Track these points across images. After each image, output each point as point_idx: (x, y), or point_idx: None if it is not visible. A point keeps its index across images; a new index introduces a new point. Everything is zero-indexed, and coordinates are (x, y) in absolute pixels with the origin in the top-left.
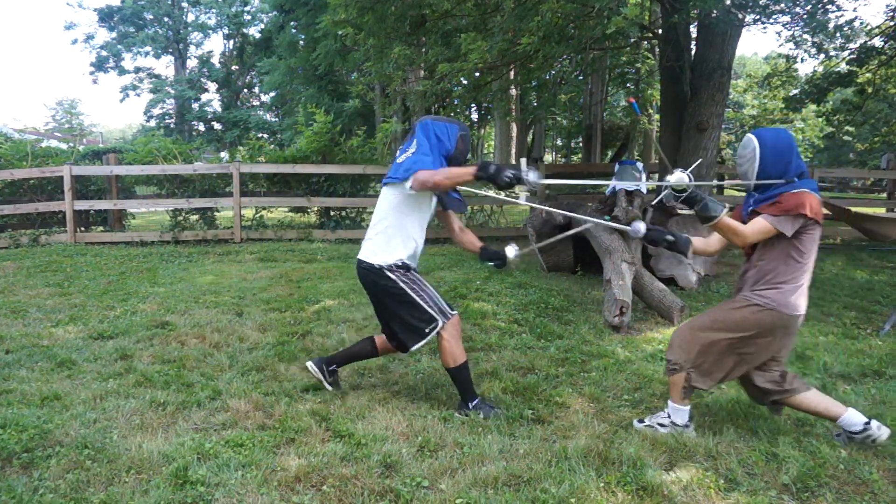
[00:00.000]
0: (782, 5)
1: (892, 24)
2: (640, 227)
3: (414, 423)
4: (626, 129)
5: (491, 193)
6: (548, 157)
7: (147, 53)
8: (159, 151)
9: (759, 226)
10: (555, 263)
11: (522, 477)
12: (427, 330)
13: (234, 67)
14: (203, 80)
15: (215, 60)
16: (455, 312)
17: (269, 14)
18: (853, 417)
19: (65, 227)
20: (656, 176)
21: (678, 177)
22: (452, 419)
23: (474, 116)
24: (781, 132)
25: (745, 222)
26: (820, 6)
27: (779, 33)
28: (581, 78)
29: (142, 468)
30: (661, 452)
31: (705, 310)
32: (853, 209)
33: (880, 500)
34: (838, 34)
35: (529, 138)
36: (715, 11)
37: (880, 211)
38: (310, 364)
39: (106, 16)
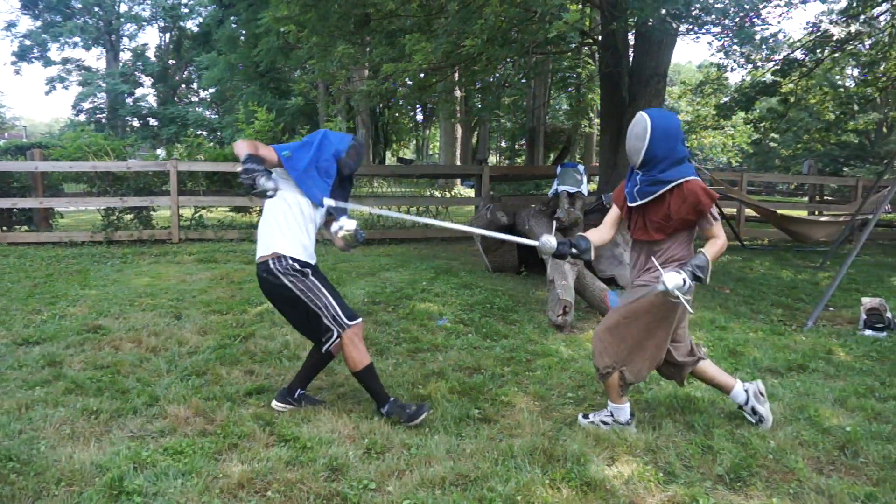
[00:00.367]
0: (713, 17)
1: (811, 38)
2: (551, 241)
3: (360, 425)
4: (569, 133)
5: (437, 194)
6: (492, 159)
7: (76, 44)
8: (90, 147)
9: (719, 227)
10: (500, 264)
11: (469, 476)
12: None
13: (170, 62)
14: (137, 73)
15: (150, 54)
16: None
17: (208, 8)
18: (741, 391)
19: None
20: (597, 179)
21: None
22: (399, 421)
23: (419, 117)
24: (671, 116)
25: (633, 201)
26: (747, 19)
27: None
28: (524, 81)
29: (73, 480)
30: (604, 448)
31: None
32: (779, 212)
33: (805, 486)
34: (764, 46)
35: (474, 140)
36: (651, 20)
37: (803, 213)
38: (274, 403)
39: (30, 2)
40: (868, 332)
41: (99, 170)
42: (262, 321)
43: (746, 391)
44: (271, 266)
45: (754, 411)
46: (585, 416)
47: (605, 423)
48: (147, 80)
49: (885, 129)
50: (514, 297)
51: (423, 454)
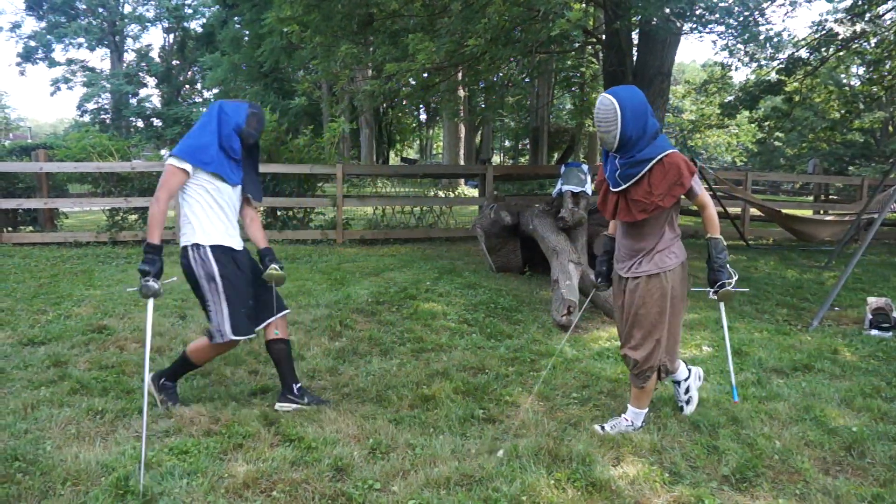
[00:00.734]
0: (717, 16)
1: (816, 37)
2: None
3: (365, 425)
4: (572, 132)
5: (440, 194)
6: (496, 159)
7: (80, 45)
8: (94, 148)
9: (705, 198)
10: (503, 264)
11: (474, 476)
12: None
13: (174, 62)
14: (141, 74)
15: (154, 54)
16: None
17: (212, 8)
18: (685, 369)
19: None
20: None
21: None
22: (404, 421)
23: (423, 117)
24: (634, 90)
25: (617, 186)
26: (751, 18)
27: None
28: (528, 81)
29: (79, 479)
30: (609, 448)
31: None
32: (784, 211)
33: (812, 487)
34: (768, 45)
35: (478, 139)
36: (654, 19)
37: (808, 213)
38: (278, 406)
39: (34, 4)
40: (874, 332)
41: (103, 170)
42: None
43: (690, 370)
44: (190, 255)
45: (688, 391)
46: (602, 428)
47: (623, 433)
48: (151, 81)
49: (890, 128)
50: (518, 297)
51: (428, 454)
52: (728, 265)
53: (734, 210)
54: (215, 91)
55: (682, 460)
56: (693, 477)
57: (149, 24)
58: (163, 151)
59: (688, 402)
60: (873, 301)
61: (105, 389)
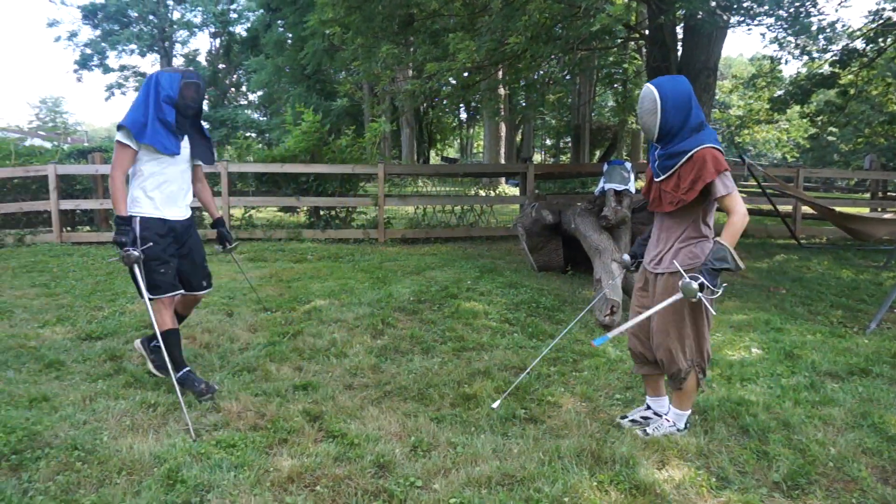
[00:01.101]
0: (766, 7)
1: (872, 26)
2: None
3: (406, 423)
4: (615, 129)
5: (481, 193)
6: (537, 157)
7: (132, 51)
8: None
9: (732, 199)
10: (545, 263)
11: (516, 476)
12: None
13: (220, 66)
14: None
15: (202, 59)
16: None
17: (256, 12)
18: (666, 402)
19: (50, 226)
20: (644, 176)
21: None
22: (445, 419)
23: (463, 116)
24: (680, 80)
25: (657, 177)
26: (802, 9)
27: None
28: (569, 78)
29: (133, 469)
30: (654, 451)
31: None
32: (838, 209)
33: (869, 497)
34: (821, 36)
35: (518, 138)
36: (700, 13)
37: (864, 211)
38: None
39: (90, 13)
40: None
41: None
42: (309, 319)
43: (666, 409)
44: (132, 224)
45: (648, 421)
46: (645, 432)
47: (667, 436)
48: None
49: None
50: (560, 297)
51: (470, 453)
52: (718, 278)
53: (785, 208)
54: (259, 93)
55: (730, 465)
56: (742, 483)
57: (196, 30)
58: None
59: (645, 428)
60: None
61: (157, 383)
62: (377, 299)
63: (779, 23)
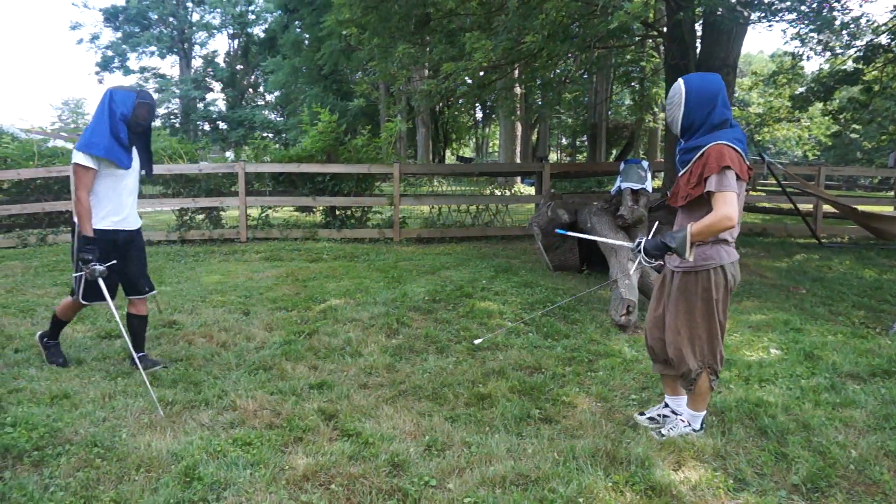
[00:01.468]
0: (788, 3)
1: None
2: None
3: (421, 422)
4: (631, 128)
5: (497, 193)
6: (553, 156)
7: (152, 53)
8: (165, 151)
9: (720, 198)
10: (560, 263)
11: (530, 476)
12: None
13: (238, 67)
14: (208, 79)
15: (220, 60)
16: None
17: (274, 14)
18: (684, 402)
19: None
20: (661, 175)
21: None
22: (460, 419)
23: (479, 115)
24: (711, 77)
25: (679, 171)
26: (825, 4)
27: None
28: (586, 77)
29: (151, 466)
30: (670, 452)
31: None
32: (860, 208)
33: (892, 500)
34: (844, 32)
35: (534, 137)
36: (720, 9)
37: (888, 209)
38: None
39: (111, 16)
40: None
41: (173, 172)
42: (325, 318)
43: (679, 410)
44: (75, 232)
45: (666, 420)
46: (661, 435)
47: (683, 436)
48: (217, 86)
49: None
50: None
51: (484, 453)
52: (660, 253)
53: (806, 207)
54: (276, 94)
55: (748, 467)
56: (760, 485)
57: (215, 31)
58: (228, 153)
59: (659, 428)
60: None
61: (174, 381)
62: (392, 299)
63: (801, 18)
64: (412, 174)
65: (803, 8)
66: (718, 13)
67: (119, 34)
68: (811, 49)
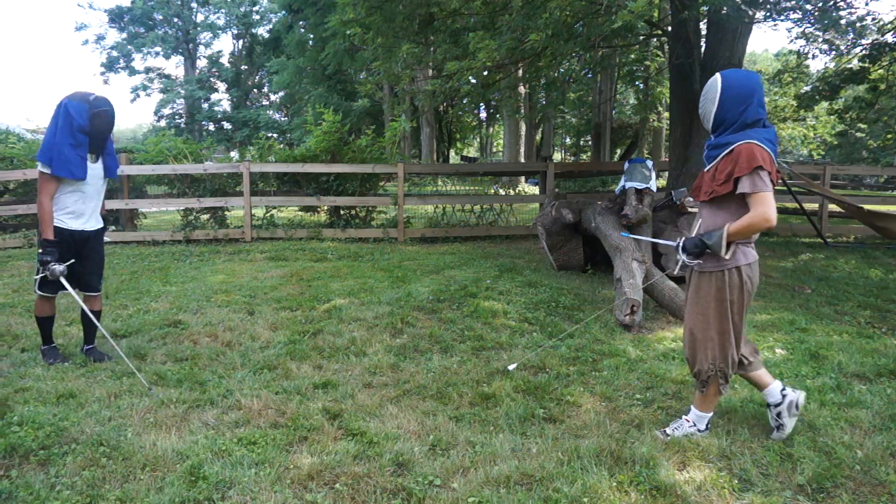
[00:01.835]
0: (793, 2)
1: None
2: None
3: (425, 421)
4: (636, 128)
5: (501, 192)
6: (557, 156)
7: (157, 54)
8: (170, 151)
9: (756, 199)
10: (565, 262)
11: (535, 476)
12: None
13: (243, 67)
14: (213, 79)
15: (225, 60)
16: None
17: (278, 14)
18: (776, 389)
19: None
20: (666, 174)
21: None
22: (464, 418)
23: (483, 115)
24: (749, 75)
25: (705, 167)
26: (830, 3)
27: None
28: (590, 76)
29: (156, 465)
30: (674, 452)
31: None
32: (866, 207)
33: None
34: (850, 30)
35: (538, 136)
36: (725, 8)
37: (894, 208)
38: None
39: (116, 17)
40: None
41: (178, 172)
42: (329, 318)
43: (784, 395)
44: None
45: (779, 416)
46: (666, 434)
47: (689, 436)
48: (222, 86)
49: None
50: (579, 296)
51: (488, 452)
52: (698, 252)
53: (811, 206)
54: (281, 94)
55: (753, 467)
56: (765, 485)
57: (219, 32)
58: (233, 153)
59: (778, 427)
60: None
61: (180, 381)
62: (396, 298)
63: (806, 17)
64: (416, 174)
65: (808, 7)
66: (723, 12)
67: (124, 35)
68: (816, 48)
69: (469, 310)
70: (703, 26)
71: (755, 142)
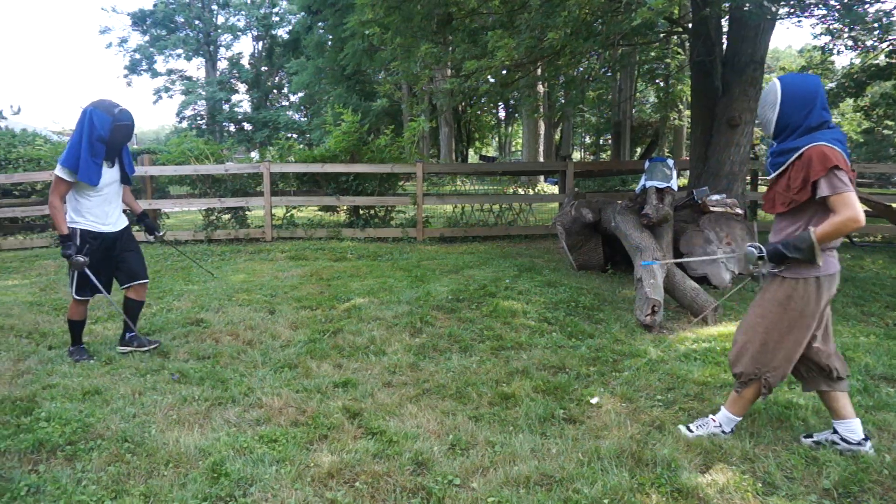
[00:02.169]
0: None
1: None
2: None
3: (445, 421)
4: (656, 126)
5: (520, 192)
6: (576, 155)
7: (179, 56)
8: (192, 152)
9: (839, 201)
10: (584, 262)
11: (555, 477)
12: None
13: (263, 68)
14: (233, 81)
15: (245, 62)
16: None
17: (297, 15)
18: (858, 427)
19: None
20: (687, 173)
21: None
22: (483, 418)
23: (501, 114)
24: (809, 78)
25: (769, 174)
26: None
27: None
28: (609, 74)
29: (179, 462)
30: (696, 454)
31: (741, 309)
32: (894, 205)
33: None
34: (877, 26)
35: (557, 136)
36: (747, 4)
37: None
38: (118, 349)
39: (139, 20)
40: None
41: (200, 173)
42: (349, 317)
43: (867, 439)
44: (74, 238)
45: (843, 443)
46: (690, 430)
47: (714, 436)
48: (242, 87)
49: None
50: (599, 296)
51: (508, 452)
52: (783, 260)
53: None
54: (300, 95)
55: (777, 470)
56: (789, 489)
57: (240, 34)
58: (253, 154)
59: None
60: None
61: (202, 379)
62: (416, 298)
63: (831, 14)
64: (435, 173)
65: (833, 2)
66: (745, 9)
67: (146, 37)
68: (842, 43)
69: (488, 309)
70: (724, 23)
71: (824, 143)
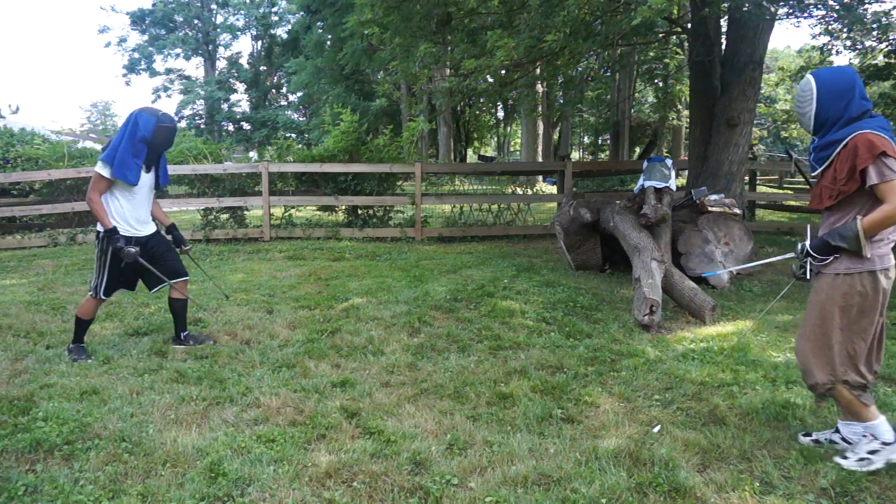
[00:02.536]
0: None
1: None
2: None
3: (443, 420)
4: (655, 126)
5: (518, 191)
6: (575, 155)
7: (177, 55)
8: (190, 151)
9: (887, 188)
10: (583, 262)
11: (552, 476)
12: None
13: (262, 68)
14: (232, 80)
15: (244, 61)
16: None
17: (296, 15)
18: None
19: None
20: (686, 173)
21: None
22: (481, 418)
23: (500, 114)
24: (844, 70)
25: (814, 170)
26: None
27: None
28: (608, 74)
29: (177, 462)
30: (694, 454)
31: (739, 309)
32: None
33: None
34: (875, 26)
35: (556, 136)
36: (746, 4)
37: None
38: (174, 346)
39: (138, 19)
40: None
41: (198, 172)
42: (347, 317)
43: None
44: (99, 234)
45: (874, 452)
46: (845, 458)
47: (874, 451)
48: (241, 87)
49: None
50: (597, 296)
51: (506, 452)
52: (828, 253)
53: None
54: (299, 94)
55: (775, 469)
56: (787, 488)
57: (239, 33)
58: (251, 154)
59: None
60: None
61: (200, 378)
62: (414, 297)
63: (830, 14)
64: (434, 173)
65: (832, 2)
66: (744, 9)
67: (145, 37)
68: (840, 44)
69: (486, 309)
70: (723, 23)
71: (868, 131)
